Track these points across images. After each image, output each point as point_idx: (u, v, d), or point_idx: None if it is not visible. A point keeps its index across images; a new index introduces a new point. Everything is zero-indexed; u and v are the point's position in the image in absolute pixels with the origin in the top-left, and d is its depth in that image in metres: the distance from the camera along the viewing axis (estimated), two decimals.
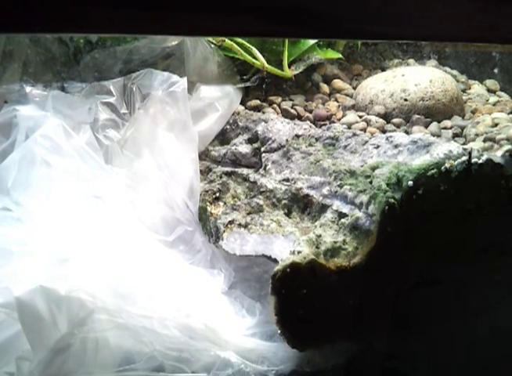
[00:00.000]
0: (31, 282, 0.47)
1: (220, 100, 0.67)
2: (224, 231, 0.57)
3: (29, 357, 0.46)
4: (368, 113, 0.67)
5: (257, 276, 0.60)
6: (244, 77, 0.72)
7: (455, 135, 0.63)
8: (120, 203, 0.59)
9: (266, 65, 0.69)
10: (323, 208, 0.55)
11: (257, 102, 0.70)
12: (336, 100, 0.71)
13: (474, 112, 0.68)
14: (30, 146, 0.57)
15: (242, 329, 0.55)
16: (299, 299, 0.50)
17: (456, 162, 0.51)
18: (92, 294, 0.48)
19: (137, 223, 0.59)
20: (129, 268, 0.53)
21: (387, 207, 0.49)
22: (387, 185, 0.51)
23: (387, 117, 0.66)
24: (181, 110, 0.63)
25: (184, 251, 0.62)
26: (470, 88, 0.75)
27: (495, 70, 0.77)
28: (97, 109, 0.63)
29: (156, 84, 0.65)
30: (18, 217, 0.54)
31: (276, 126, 0.64)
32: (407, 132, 0.63)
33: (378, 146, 0.58)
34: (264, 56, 0.69)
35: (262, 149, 0.63)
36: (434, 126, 0.64)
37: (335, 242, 0.51)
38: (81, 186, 0.57)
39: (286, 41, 0.68)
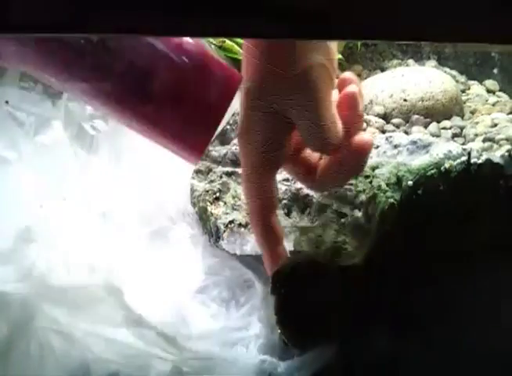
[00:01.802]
0: None
1: None
2: (224, 231, 0.57)
3: None
4: (367, 114, 0.67)
5: (229, 279, 0.59)
6: None
7: (454, 136, 0.63)
8: (87, 198, 0.58)
9: None
10: (323, 208, 0.55)
11: None
12: None
13: (473, 112, 0.68)
14: None
15: (204, 335, 0.53)
16: (299, 299, 0.50)
17: (456, 162, 0.51)
18: (36, 296, 0.47)
19: (103, 218, 0.58)
20: (81, 268, 0.52)
21: (386, 207, 0.50)
22: (387, 185, 0.51)
23: (386, 117, 0.66)
24: None
25: (159, 248, 0.60)
26: (469, 89, 0.75)
27: (495, 71, 0.77)
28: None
29: None
30: None
31: None
32: (407, 133, 0.63)
33: (378, 147, 0.58)
34: None
35: None
36: (433, 126, 0.64)
37: (335, 242, 0.51)
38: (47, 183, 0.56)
39: None
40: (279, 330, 0.50)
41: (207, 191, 0.62)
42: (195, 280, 0.58)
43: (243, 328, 0.54)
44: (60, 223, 0.55)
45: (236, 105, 0.69)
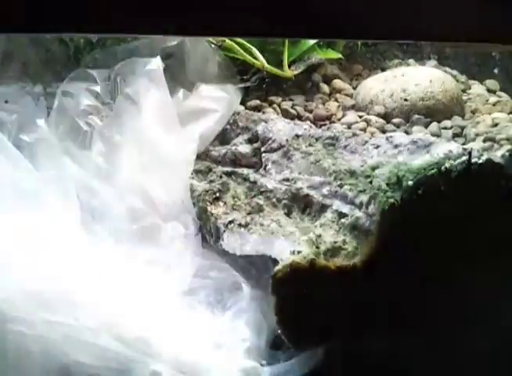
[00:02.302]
0: None
1: (220, 100, 0.67)
2: (224, 231, 0.57)
3: None
4: (368, 113, 0.67)
5: (217, 282, 0.59)
6: (244, 77, 0.72)
7: (455, 135, 0.63)
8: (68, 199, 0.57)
9: (266, 65, 0.69)
10: (323, 208, 0.55)
11: (258, 102, 0.70)
12: (336, 100, 0.71)
13: (473, 112, 0.68)
14: None
15: (189, 339, 0.53)
16: (299, 299, 0.50)
17: (456, 162, 0.51)
18: (9, 301, 0.46)
19: (78, 219, 0.57)
20: (60, 270, 0.51)
21: (387, 207, 0.50)
22: (387, 185, 0.51)
23: (387, 117, 0.66)
24: (160, 89, 0.63)
25: (145, 246, 0.59)
26: (470, 88, 0.75)
27: (495, 71, 0.77)
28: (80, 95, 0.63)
29: (138, 71, 0.64)
30: None
31: (276, 126, 0.64)
32: (407, 132, 0.63)
33: (378, 146, 0.58)
34: (264, 56, 0.69)
35: (262, 149, 0.63)
36: (434, 126, 0.64)
37: (335, 242, 0.51)
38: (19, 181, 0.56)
39: (287, 41, 0.68)
40: (279, 330, 0.50)
41: (207, 191, 0.62)
42: (183, 281, 0.57)
43: (228, 332, 0.53)
44: (43, 227, 0.54)
45: (236, 105, 0.69)
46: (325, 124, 0.66)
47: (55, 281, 0.50)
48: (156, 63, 0.64)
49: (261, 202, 0.59)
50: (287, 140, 0.62)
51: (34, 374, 0.46)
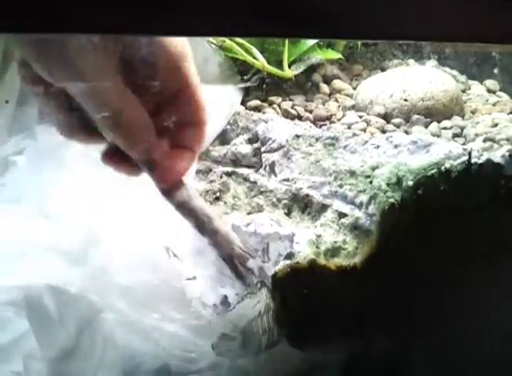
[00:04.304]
0: (41, 281, 0.47)
1: (220, 100, 0.67)
2: None
3: (37, 356, 0.46)
4: (368, 114, 0.67)
5: None
6: (245, 77, 0.72)
7: (455, 136, 0.63)
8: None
9: (266, 65, 0.69)
10: (323, 208, 0.55)
11: (258, 102, 0.70)
12: (336, 100, 0.71)
13: (473, 112, 0.68)
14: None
15: None
16: (299, 299, 0.50)
17: (456, 162, 0.51)
18: (102, 293, 0.48)
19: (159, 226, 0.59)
20: (145, 270, 0.53)
21: (387, 207, 0.50)
22: (387, 185, 0.51)
23: (387, 117, 0.66)
24: None
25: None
26: (469, 89, 0.75)
27: (495, 71, 0.77)
28: None
29: None
30: (29, 215, 0.54)
31: (276, 126, 0.64)
32: (407, 132, 0.63)
33: (378, 146, 0.58)
34: (264, 57, 0.69)
35: (262, 149, 0.63)
36: (433, 126, 0.64)
37: (335, 242, 0.51)
38: (98, 186, 0.57)
39: (287, 41, 0.68)
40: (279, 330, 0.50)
41: (207, 191, 0.62)
42: None
43: None
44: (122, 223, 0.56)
45: (236, 105, 0.69)
46: (325, 124, 0.66)
47: (145, 278, 0.52)
48: None
49: (261, 202, 0.59)
50: (287, 140, 0.62)
51: (117, 359, 0.48)
